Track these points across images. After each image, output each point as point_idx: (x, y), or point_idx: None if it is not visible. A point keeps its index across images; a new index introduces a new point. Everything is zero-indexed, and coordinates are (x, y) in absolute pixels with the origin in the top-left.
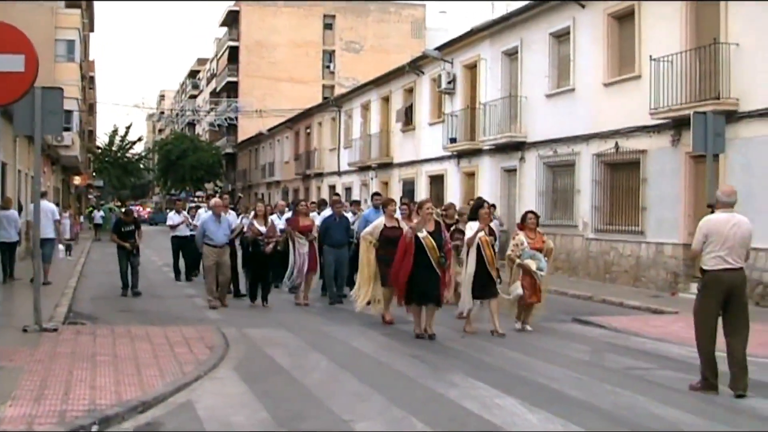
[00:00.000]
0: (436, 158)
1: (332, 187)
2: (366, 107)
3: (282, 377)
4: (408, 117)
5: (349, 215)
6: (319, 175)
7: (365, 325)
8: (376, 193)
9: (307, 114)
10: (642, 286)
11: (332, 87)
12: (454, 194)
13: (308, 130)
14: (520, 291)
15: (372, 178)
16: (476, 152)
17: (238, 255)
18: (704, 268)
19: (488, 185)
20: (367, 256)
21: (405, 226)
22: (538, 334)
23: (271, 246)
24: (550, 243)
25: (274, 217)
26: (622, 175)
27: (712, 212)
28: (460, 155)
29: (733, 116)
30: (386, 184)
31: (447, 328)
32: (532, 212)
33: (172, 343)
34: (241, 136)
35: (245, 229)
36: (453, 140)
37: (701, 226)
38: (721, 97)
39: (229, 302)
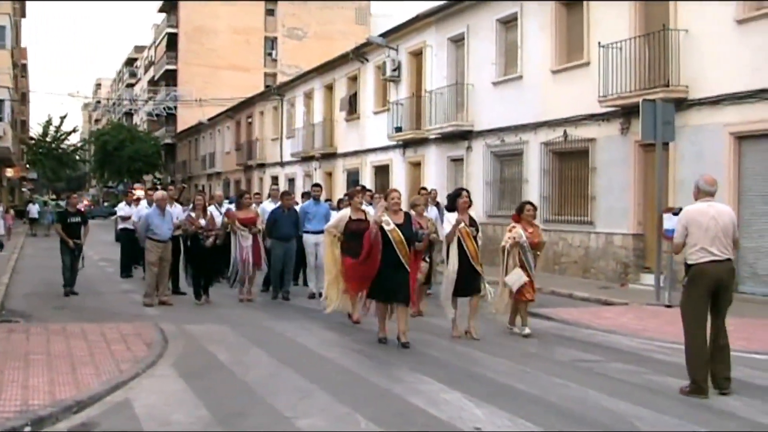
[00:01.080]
0: (381, 148)
1: (274, 179)
2: (309, 96)
3: (222, 374)
4: (352, 106)
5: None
6: (261, 166)
7: (309, 321)
8: (316, 185)
9: (249, 103)
10: (591, 277)
11: (274, 75)
12: (399, 185)
13: (250, 120)
14: (523, 278)
15: (315, 169)
16: (422, 141)
17: (181, 250)
18: (688, 262)
19: (434, 175)
20: (331, 252)
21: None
22: (485, 326)
23: (211, 240)
24: (544, 236)
25: (212, 209)
26: (571, 164)
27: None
28: (406, 145)
29: (682, 104)
30: (330, 174)
31: (392, 322)
32: (529, 203)
33: (108, 341)
34: (181, 126)
35: (183, 222)
36: (398, 129)
37: (680, 217)
38: (671, 85)
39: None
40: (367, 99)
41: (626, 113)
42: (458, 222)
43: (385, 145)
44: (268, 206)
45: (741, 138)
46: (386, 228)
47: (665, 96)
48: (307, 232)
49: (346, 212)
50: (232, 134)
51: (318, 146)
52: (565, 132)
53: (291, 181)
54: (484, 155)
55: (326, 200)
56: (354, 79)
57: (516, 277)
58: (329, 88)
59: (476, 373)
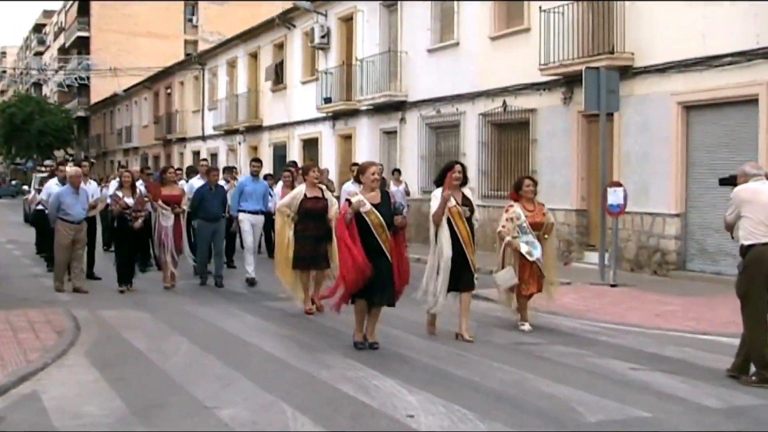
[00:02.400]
0: (310, 120)
1: (196, 153)
2: (232, 65)
3: (139, 362)
4: (278, 75)
5: (222, 184)
6: (182, 140)
7: (233, 304)
8: (255, 159)
9: (168, 72)
10: None
11: (195, 42)
12: (329, 159)
13: (169, 91)
14: (514, 279)
15: (240, 143)
16: (353, 113)
17: (97, 232)
18: (745, 243)
19: (366, 149)
20: (283, 235)
21: (330, 196)
22: (419, 309)
23: (140, 221)
24: (551, 217)
25: (141, 186)
26: (511, 136)
27: (735, 185)
28: (336, 117)
29: (628, 72)
30: (255, 149)
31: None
32: (529, 178)
33: (15, 329)
34: (95, 97)
35: (109, 202)
36: (327, 100)
37: (734, 195)
38: (616, 52)
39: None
40: (294, 68)
41: (569, 82)
42: (446, 198)
43: (313, 117)
44: (197, 183)
45: (689, 108)
46: (361, 210)
47: (609, 64)
48: (243, 211)
49: (300, 189)
50: (150, 106)
51: (242, 119)
52: (504, 102)
53: (213, 156)
54: (418, 127)
55: (265, 177)
56: (280, 47)
57: (507, 276)
58: (254, 56)
59: (410, 358)
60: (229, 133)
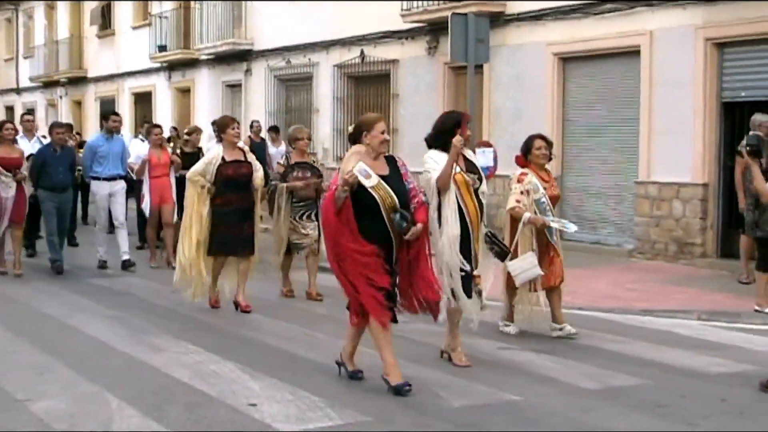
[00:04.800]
0: (142, 71)
1: (9, 109)
2: (51, 6)
3: None
4: (105, 19)
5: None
6: None
7: (50, 282)
8: (114, 113)
9: None
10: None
11: None
12: (165, 115)
13: None
14: (536, 267)
15: (61, 97)
16: (192, 63)
17: None
18: None
19: (207, 104)
20: (198, 212)
21: (254, 159)
22: (267, 285)
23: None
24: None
25: None
26: (370, 90)
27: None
28: (172, 67)
29: (499, 19)
30: (79, 104)
31: (152, 281)
32: (542, 137)
33: None
34: None
35: None
36: (162, 48)
37: None
38: None
39: None
40: (123, 11)
41: (434, 30)
42: (458, 148)
43: (146, 67)
44: (23, 145)
45: (565, 59)
46: (366, 184)
47: (479, 10)
48: (97, 177)
49: (218, 151)
50: None
51: (64, 69)
52: (362, 52)
53: (30, 111)
54: (266, 80)
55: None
56: None
57: (525, 265)
58: None
59: (253, 340)
60: (49, 85)
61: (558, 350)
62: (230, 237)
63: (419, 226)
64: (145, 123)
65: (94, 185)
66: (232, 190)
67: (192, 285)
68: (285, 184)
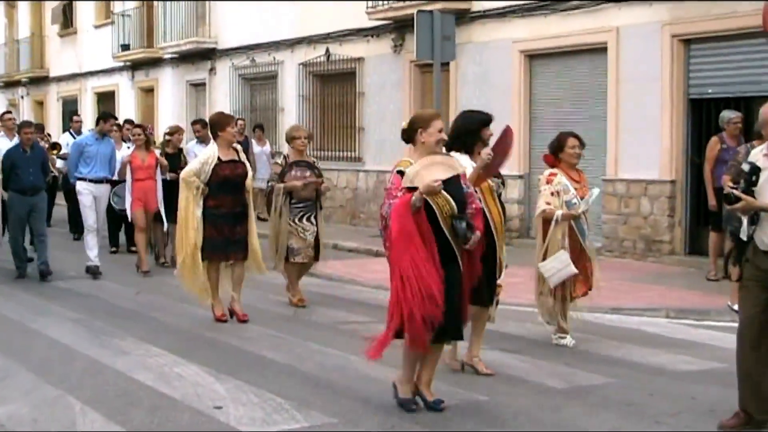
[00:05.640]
0: (105, 70)
1: None
2: (12, 5)
3: None
4: (67, 17)
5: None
6: None
7: (11, 284)
8: (111, 115)
9: None
10: (360, 224)
11: None
12: (128, 115)
13: None
14: (571, 266)
15: (22, 97)
16: (155, 62)
17: None
18: None
19: (171, 103)
20: (191, 214)
21: (245, 159)
22: (254, 293)
23: None
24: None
25: None
26: (335, 88)
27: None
28: (135, 66)
29: (465, 16)
30: (41, 104)
31: (117, 283)
32: (574, 135)
33: None
34: None
35: None
36: (125, 47)
37: None
38: None
39: None
40: (85, 9)
41: (399, 27)
42: (488, 154)
43: (109, 67)
44: (3, 143)
45: (532, 57)
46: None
47: (445, 7)
48: (83, 179)
49: (212, 150)
50: None
51: (25, 68)
52: (327, 50)
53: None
54: (230, 79)
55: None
56: None
57: (558, 265)
58: None
59: (218, 342)
60: (10, 85)
61: (526, 350)
62: (222, 240)
63: (478, 233)
64: (125, 122)
65: (79, 185)
66: (226, 192)
67: (197, 290)
68: (283, 185)
